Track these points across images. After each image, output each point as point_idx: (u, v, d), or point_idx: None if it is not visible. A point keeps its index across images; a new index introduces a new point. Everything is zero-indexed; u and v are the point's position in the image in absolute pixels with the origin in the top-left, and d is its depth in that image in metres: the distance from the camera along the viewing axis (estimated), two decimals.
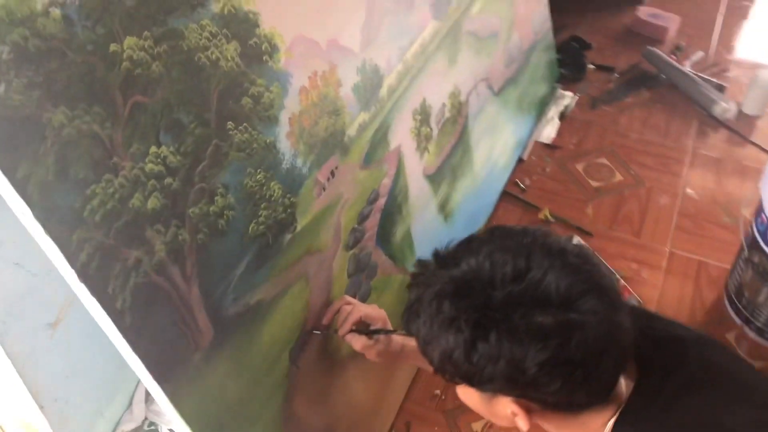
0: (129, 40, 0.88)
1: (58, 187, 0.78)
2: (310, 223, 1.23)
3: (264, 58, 1.11)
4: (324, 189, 1.26)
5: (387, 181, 1.45)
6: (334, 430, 1.32)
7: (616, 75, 2.50)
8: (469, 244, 0.86)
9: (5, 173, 0.73)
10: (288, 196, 1.17)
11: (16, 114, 0.74)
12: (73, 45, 0.81)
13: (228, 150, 1.04)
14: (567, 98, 2.38)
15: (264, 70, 1.11)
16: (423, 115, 1.58)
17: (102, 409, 1.36)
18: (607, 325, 0.79)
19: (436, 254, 0.87)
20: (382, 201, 1.44)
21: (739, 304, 1.60)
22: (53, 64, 0.78)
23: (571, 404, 0.84)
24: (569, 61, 2.50)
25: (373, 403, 1.44)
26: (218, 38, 1.02)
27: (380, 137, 1.43)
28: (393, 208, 1.49)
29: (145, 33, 0.90)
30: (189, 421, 0.98)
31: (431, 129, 1.62)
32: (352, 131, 1.33)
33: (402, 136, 1.51)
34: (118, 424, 1.44)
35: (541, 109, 2.28)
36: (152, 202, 0.92)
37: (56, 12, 0.78)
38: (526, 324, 0.77)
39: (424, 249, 1.58)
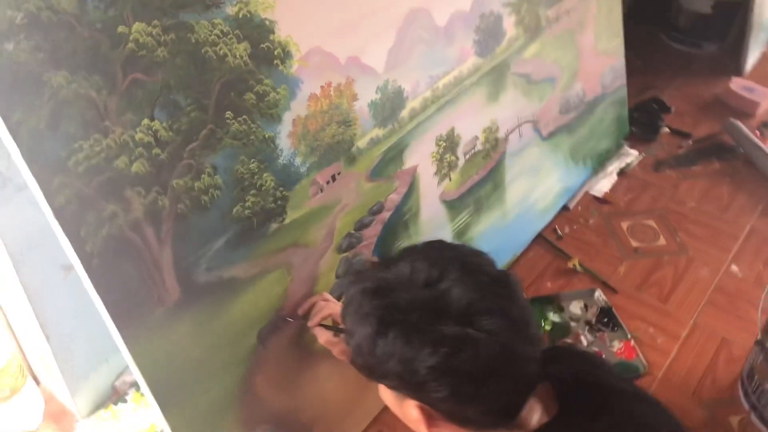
0: (137, 26, 0.98)
1: (48, 135, 0.90)
2: (301, 218, 1.29)
3: (275, 62, 1.19)
4: (321, 190, 1.33)
5: (395, 197, 1.51)
6: (297, 417, 1.36)
7: (690, 141, 2.43)
8: (406, 250, 0.92)
9: (2, 115, 0.85)
10: (281, 189, 1.24)
11: (20, 69, 0.86)
12: (83, 21, 0.92)
13: (223, 136, 1.12)
14: (631, 156, 2.35)
15: (273, 72, 1.19)
16: (449, 142, 1.63)
17: (107, 355, 1.48)
18: (502, 349, 0.81)
19: (381, 256, 0.94)
20: (386, 214, 1.49)
21: (749, 388, 1.53)
22: (61, 34, 0.90)
23: (466, 419, 0.87)
24: (644, 121, 2.48)
25: (347, 404, 1.47)
26: (229, 37, 1.11)
27: (394, 155, 1.49)
28: (398, 224, 1.53)
29: (155, 22, 1.00)
30: (142, 367, 1.07)
31: (457, 158, 1.67)
32: (362, 143, 1.40)
33: (420, 158, 1.56)
34: (120, 374, 1.56)
35: (599, 162, 2.27)
36: (137, 167, 1.01)
37: None
38: (422, 328, 0.81)
39: None
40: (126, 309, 1.04)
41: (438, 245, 0.92)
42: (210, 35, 1.09)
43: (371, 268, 0.94)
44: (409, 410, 0.88)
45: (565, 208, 2.14)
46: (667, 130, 2.49)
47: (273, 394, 1.32)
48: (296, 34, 1.22)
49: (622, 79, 2.27)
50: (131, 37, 0.98)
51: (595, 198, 2.21)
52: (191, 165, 1.09)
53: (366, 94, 1.38)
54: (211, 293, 1.15)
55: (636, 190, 2.24)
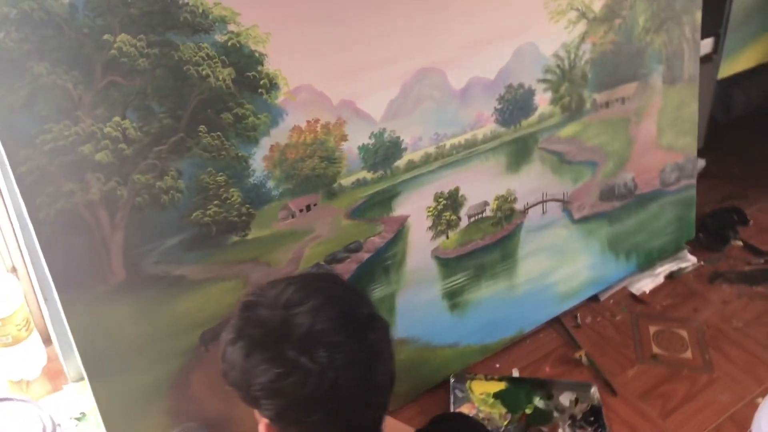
0: (123, 36, 1.10)
1: (21, 113, 1.04)
2: (266, 237, 1.36)
3: (260, 90, 1.27)
4: (293, 216, 1.39)
5: (377, 240, 1.53)
6: (229, 427, 1.40)
7: (762, 261, 2.23)
8: (298, 275, 0.99)
9: None
10: (247, 205, 1.31)
11: (6, 54, 1.01)
12: (72, 24, 1.05)
13: (193, 146, 1.22)
14: (688, 262, 2.21)
15: (256, 100, 1.27)
16: (450, 201, 1.64)
17: None
18: (330, 385, 0.82)
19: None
20: (365, 255, 1.52)
21: None
22: (49, 32, 1.04)
23: None
24: (715, 229, 2.34)
25: None
26: (214, 60, 1.20)
27: (382, 200, 1.52)
28: (377, 268, 1.55)
29: (140, 36, 1.12)
30: (76, 334, 1.19)
31: (459, 218, 1.67)
32: (345, 182, 1.44)
33: (414, 209, 1.58)
34: None
35: (647, 260, 2.14)
36: (101, 156, 1.13)
37: None
38: (264, 345, 0.85)
39: (406, 320, 1.63)
40: (69, 277, 1.15)
41: (324, 276, 0.96)
42: (194, 56, 1.18)
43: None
44: (260, 427, 0.92)
45: (594, 297, 2.04)
46: (739, 243, 2.31)
47: (207, 395, 1.36)
48: (286, 70, 1.29)
49: (691, 180, 2.15)
50: (115, 45, 1.09)
51: (631, 295, 2.09)
52: (155, 165, 1.18)
53: (357, 137, 1.43)
54: (157, 285, 1.23)
55: (679, 297, 2.09)
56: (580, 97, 1.79)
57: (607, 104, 1.86)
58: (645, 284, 2.11)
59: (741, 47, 2.45)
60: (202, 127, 1.22)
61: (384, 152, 1.47)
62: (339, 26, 1.32)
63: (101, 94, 1.10)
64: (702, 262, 2.21)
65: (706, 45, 2.25)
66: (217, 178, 1.26)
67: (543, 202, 1.82)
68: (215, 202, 1.26)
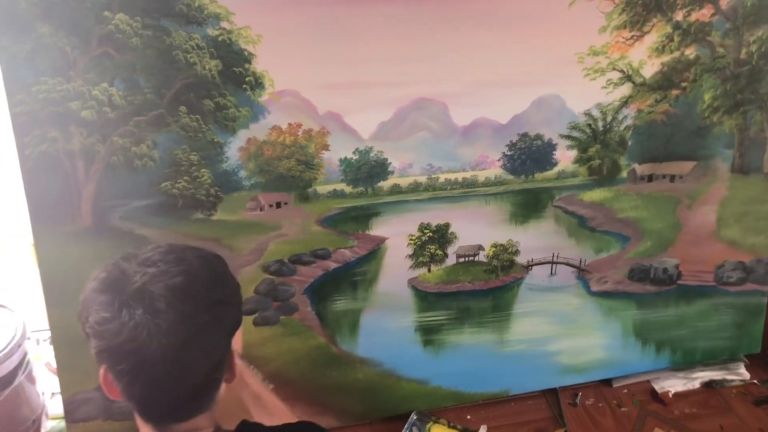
0: (121, 15, 1.25)
1: (22, 64, 1.23)
2: (231, 222, 1.43)
3: (244, 86, 1.36)
4: (261, 209, 1.46)
5: (348, 253, 1.56)
6: None
7: None
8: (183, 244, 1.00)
9: None
10: (216, 188, 1.41)
11: (18, 12, 1.21)
12: None
13: (171, 123, 1.33)
14: (737, 376, 1.95)
15: (239, 94, 1.36)
16: (438, 235, 1.61)
17: None
18: (140, 345, 0.85)
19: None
20: (332, 264, 1.55)
21: None
22: (57, 0, 1.21)
23: (133, 397, 0.90)
24: None
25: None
26: (203, 51, 1.31)
27: (359, 215, 1.54)
28: (344, 280, 1.57)
29: (137, 17, 1.25)
30: (41, 262, 1.33)
31: (445, 254, 1.64)
32: (321, 190, 1.49)
33: (394, 233, 1.58)
34: None
35: (686, 360, 1.92)
36: (86, 113, 1.28)
37: None
38: (105, 289, 0.89)
39: (371, 340, 1.62)
40: (44, 212, 1.31)
41: (199, 252, 0.95)
42: (185, 43, 1.30)
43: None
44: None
45: (607, 381, 1.88)
46: None
47: None
48: (274, 72, 1.37)
49: (762, 286, 1.88)
50: (113, 22, 1.24)
51: (652, 391, 1.89)
52: (134, 132, 1.32)
53: (340, 150, 1.46)
54: (120, 238, 1.35)
55: (710, 409, 1.85)
56: (615, 163, 1.68)
57: (649, 178, 1.72)
58: (673, 384, 1.90)
59: None
60: (182, 108, 1.33)
61: (368, 170, 1.50)
62: (337, 41, 1.37)
63: (94, 61, 1.25)
64: (756, 382, 1.94)
65: None
66: (191, 156, 1.36)
67: (553, 263, 1.72)
68: (185, 177, 1.37)
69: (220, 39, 1.32)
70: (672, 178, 1.75)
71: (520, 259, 1.69)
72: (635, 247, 1.78)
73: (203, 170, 1.38)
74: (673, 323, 1.86)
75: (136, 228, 1.37)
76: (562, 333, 1.78)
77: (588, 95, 1.60)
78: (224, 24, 1.31)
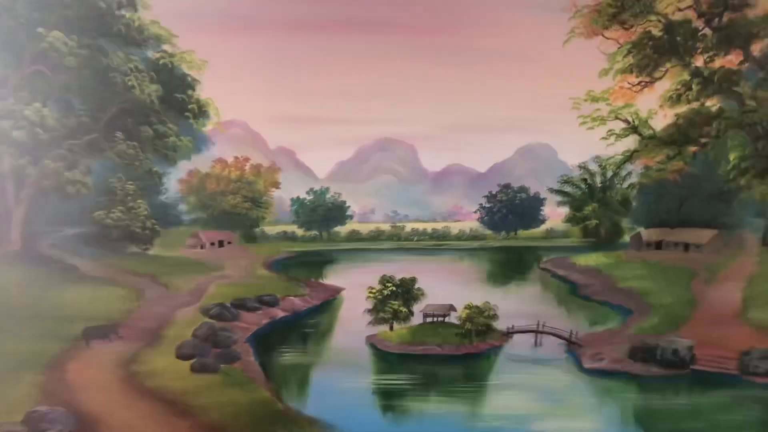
0: (56, 33, 1.14)
1: None
2: (169, 259, 1.34)
3: (186, 114, 1.25)
4: (202, 247, 1.32)
5: (298, 302, 1.38)
6: (94, 425, 1.33)
7: None
8: None
9: None
10: (153, 221, 1.30)
11: None
12: (11, 12, 1.11)
13: (107, 148, 1.22)
14: None
15: (181, 122, 1.25)
16: (401, 290, 1.40)
17: None
18: None
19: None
20: (279, 313, 1.38)
21: None
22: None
23: None
24: None
25: None
26: (142, 74, 1.18)
27: (311, 261, 1.36)
28: (293, 333, 1.40)
29: (73, 36, 1.13)
30: None
31: (410, 312, 1.43)
32: (270, 230, 1.33)
33: (351, 285, 1.40)
34: None
35: None
36: (18, 134, 1.17)
37: None
38: None
39: (322, 400, 1.42)
40: None
41: None
42: (123, 65, 1.19)
43: None
44: None
45: None
46: None
47: (81, 389, 1.38)
48: (220, 101, 1.25)
49: None
50: (47, 39, 1.13)
51: None
52: (66, 156, 1.23)
53: (292, 189, 1.25)
54: (49, 266, 1.28)
55: None
56: (616, 225, 1.41)
57: (658, 245, 1.44)
58: None
59: None
60: (119, 134, 1.21)
61: (323, 213, 1.28)
62: (293, 71, 1.21)
63: (27, 79, 1.14)
64: None
65: None
66: (127, 186, 1.23)
67: (537, 332, 1.45)
68: (120, 207, 1.23)
69: (161, 62, 1.22)
70: (686, 246, 1.55)
71: (500, 325, 1.48)
72: (639, 323, 1.56)
73: (139, 201, 1.29)
74: (685, 414, 1.62)
75: (67, 258, 1.31)
76: (547, 412, 1.57)
77: (584, 146, 1.43)
78: (166, 47, 1.21)
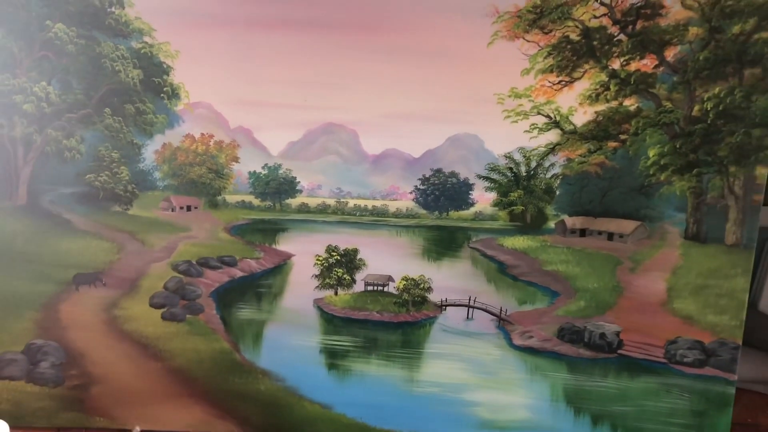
0: (60, 25, 1.30)
1: None
2: (145, 218, 1.44)
3: (162, 95, 1.40)
4: (173, 210, 1.46)
5: (254, 264, 1.53)
6: (82, 369, 1.45)
7: None
8: None
9: None
10: (132, 185, 1.44)
11: None
12: (27, 7, 1.27)
13: (97, 122, 1.40)
14: None
15: (157, 102, 1.40)
16: (345, 259, 1.52)
17: None
18: None
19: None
20: (237, 272, 1.52)
21: None
22: (10, 9, 1.22)
23: None
24: None
25: (131, 395, 1.48)
26: (127, 61, 1.37)
27: (266, 228, 1.52)
28: (249, 291, 1.54)
29: (73, 28, 1.32)
30: None
31: (353, 280, 1.54)
32: (230, 199, 1.48)
33: (300, 250, 1.54)
34: None
35: None
36: (27, 107, 1.33)
37: None
38: None
39: (274, 354, 1.56)
40: None
41: None
42: (112, 53, 1.37)
43: None
44: None
45: None
46: None
47: (71, 327, 1.48)
48: (190, 85, 1.40)
49: (728, 374, 1.51)
50: (53, 30, 1.31)
51: None
52: (65, 127, 1.39)
53: (250, 163, 1.46)
54: (49, 219, 1.37)
55: None
56: (541, 212, 1.48)
57: (582, 232, 1.47)
58: None
59: None
60: (107, 110, 1.41)
61: (276, 186, 1.49)
62: (251, 62, 1.38)
63: (36, 62, 1.33)
64: None
65: None
66: (112, 154, 1.43)
67: (469, 306, 1.52)
68: (106, 172, 1.43)
69: (142, 51, 1.37)
70: (610, 236, 1.48)
71: (434, 298, 1.52)
72: (566, 305, 1.52)
73: (122, 168, 1.43)
74: (613, 396, 1.55)
75: (63, 212, 1.43)
76: (481, 384, 1.55)
77: (509, 138, 1.41)
78: (147, 38, 1.36)
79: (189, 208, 1.49)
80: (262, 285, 1.54)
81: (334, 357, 1.56)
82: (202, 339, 1.55)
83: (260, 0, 1.38)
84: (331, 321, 1.55)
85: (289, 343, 1.55)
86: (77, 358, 1.45)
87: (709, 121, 1.37)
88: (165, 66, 1.41)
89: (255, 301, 1.55)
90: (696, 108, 1.37)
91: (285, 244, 1.55)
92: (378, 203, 1.50)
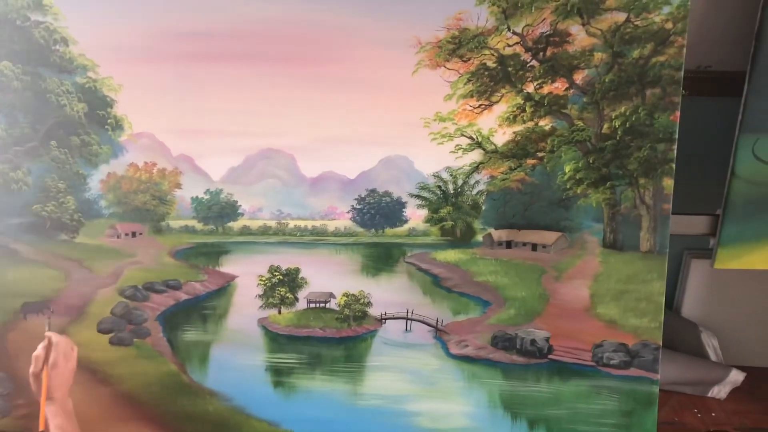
0: (5, 62, 1.30)
1: None
2: (91, 246, 1.41)
3: (106, 127, 1.37)
4: (118, 237, 1.42)
5: (198, 286, 1.48)
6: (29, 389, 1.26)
7: None
8: None
9: None
10: (78, 214, 1.40)
11: None
12: None
13: (44, 154, 1.36)
14: None
15: (102, 133, 1.37)
16: (288, 279, 1.48)
17: None
18: None
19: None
20: (182, 295, 1.47)
21: None
22: None
23: None
24: None
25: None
26: (72, 95, 1.35)
27: (209, 251, 1.47)
28: (195, 312, 1.48)
29: (18, 65, 1.31)
30: None
31: (296, 298, 1.49)
32: (174, 224, 1.43)
33: (243, 272, 1.49)
34: None
35: None
36: None
37: None
38: None
39: (221, 374, 1.48)
40: None
41: None
42: (57, 88, 1.33)
43: None
44: None
45: None
46: None
47: (19, 356, 1.37)
48: (132, 117, 1.37)
49: (650, 373, 1.48)
50: None
51: None
52: (12, 159, 1.35)
53: (192, 189, 1.42)
54: None
55: None
56: (469, 226, 1.46)
57: (508, 244, 1.46)
58: None
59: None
60: (53, 142, 1.37)
61: (218, 210, 1.44)
62: (190, 93, 1.36)
63: None
64: None
65: (698, 224, 1.57)
66: (59, 185, 1.38)
67: (407, 319, 1.49)
68: (53, 202, 1.39)
69: (86, 86, 1.34)
70: (534, 246, 1.46)
71: (374, 312, 1.48)
72: (497, 313, 1.50)
73: (69, 197, 1.38)
74: (547, 400, 1.52)
75: (10, 242, 1.38)
76: (421, 393, 1.51)
77: (437, 158, 1.40)
78: (90, 74, 1.33)
79: (134, 235, 1.45)
80: (207, 307, 1.49)
81: (279, 374, 1.50)
82: (149, 362, 1.49)
83: (196, 37, 1.36)
84: (276, 339, 1.50)
85: (235, 362, 1.50)
86: (25, 387, 1.33)
87: (618, 138, 1.38)
88: (108, 99, 1.38)
89: (200, 323, 1.50)
90: (605, 126, 1.39)
91: (228, 266, 1.50)
92: (317, 223, 1.47)
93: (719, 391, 1.72)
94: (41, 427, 1.08)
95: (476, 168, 1.41)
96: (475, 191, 1.43)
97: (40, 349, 1.14)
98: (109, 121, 1.40)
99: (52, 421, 1.10)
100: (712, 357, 1.81)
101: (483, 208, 1.44)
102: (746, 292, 1.86)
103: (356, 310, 1.49)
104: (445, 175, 1.42)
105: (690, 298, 1.89)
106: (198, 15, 1.34)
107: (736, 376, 1.70)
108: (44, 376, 1.10)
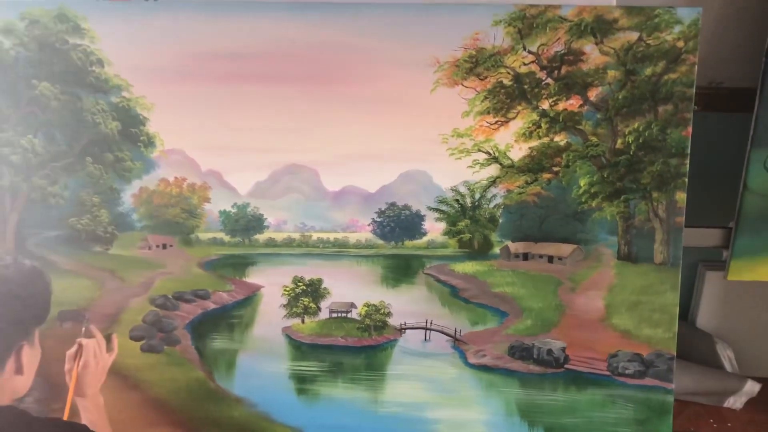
0: (45, 84, 1.34)
1: None
2: (124, 257, 1.44)
3: (138, 144, 1.40)
4: (150, 248, 1.45)
5: (225, 296, 1.50)
6: (58, 390, 1.35)
7: None
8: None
9: None
10: (112, 227, 1.43)
11: None
12: (13, 69, 1.34)
13: (79, 170, 1.40)
14: None
15: (135, 150, 1.41)
16: (311, 289, 1.49)
17: None
18: None
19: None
20: (210, 304, 1.48)
21: None
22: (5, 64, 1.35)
23: None
24: None
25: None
26: (106, 114, 1.38)
27: (236, 263, 1.49)
28: (222, 321, 1.50)
29: (57, 86, 1.35)
30: None
31: (318, 308, 1.50)
32: (203, 237, 1.46)
33: (269, 282, 1.51)
34: None
35: None
36: (15, 158, 1.35)
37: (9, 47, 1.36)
38: None
39: (246, 381, 1.49)
40: None
41: (21, 268, 1.02)
42: (92, 107, 1.37)
43: None
44: None
45: None
46: None
47: (53, 361, 1.28)
48: (164, 134, 1.41)
49: (665, 383, 1.47)
50: (38, 88, 1.33)
51: None
52: (50, 175, 1.39)
53: (220, 203, 1.45)
54: (35, 261, 1.20)
55: None
56: (486, 238, 1.47)
57: (525, 256, 1.46)
58: None
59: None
60: (88, 158, 1.41)
61: (245, 223, 1.47)
62: (219, 111, 1.39)
63: (23, 117, 1.35)
64: None
65: (711, 236, 1.59)
66: (93, 198, 1.42)
67: (426, 329, 1.49)
68: (88, 215, 1.43)
69: (120, 105, 1.37)
70: (550, 258, 1.46)
71: (393, 322, 1.49)
72: (514, 324, 1.50)
73: (102, 210, 1.42)
74: (563, 409, 1.51)
75: (48, 254, 1.41)
76: (440, 402, 1.51)
77: (454, 173, 1.42)
78: (125, 93, 1.37)
79: (165, 246, 1.48)
80: (233, 316, 1.51)
81: (302, 382, 1.51)
82: (178, 369, 1.51)
83: (225, 58, 1.39)
84: (299, 348, 1.51)
85: (260, 370, 1.51)
86: (60, 391, 1.35)
87: (631, 153, 1.39)
88: (141, 117, 1.41)
89: (227, 332, 1.51)
90: (619, 141, 1.40)
91: (254, 276, 1.52)
92: (339, 235, 1.49)
93: (735, 402, 1.70)
94: (65, 417, 1.14)
95: (493, 182, 1.43)
96: (492, 205, 1.45)
97: (73, 349, 1.19)
98: (141, 138, 1.43)
99: (83, 415, 1.15)
100: (728, 367, 1.78)
101: (500, 221, 1.45)
102: (761, 304, 1.83)
103: (377, 320, 1.50)
104: (463, 189, 1.43)
105: (705, 310, 1.87)
106: (227, 38, 1.38)
107: (752, 387, 1.68)
108: (74, 374, 1.16)
